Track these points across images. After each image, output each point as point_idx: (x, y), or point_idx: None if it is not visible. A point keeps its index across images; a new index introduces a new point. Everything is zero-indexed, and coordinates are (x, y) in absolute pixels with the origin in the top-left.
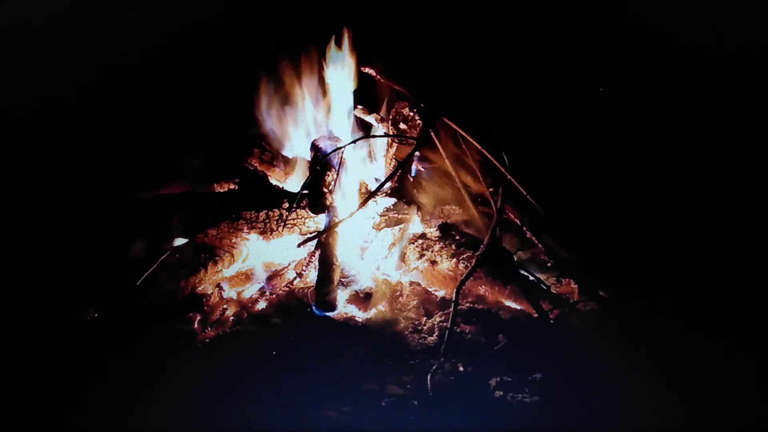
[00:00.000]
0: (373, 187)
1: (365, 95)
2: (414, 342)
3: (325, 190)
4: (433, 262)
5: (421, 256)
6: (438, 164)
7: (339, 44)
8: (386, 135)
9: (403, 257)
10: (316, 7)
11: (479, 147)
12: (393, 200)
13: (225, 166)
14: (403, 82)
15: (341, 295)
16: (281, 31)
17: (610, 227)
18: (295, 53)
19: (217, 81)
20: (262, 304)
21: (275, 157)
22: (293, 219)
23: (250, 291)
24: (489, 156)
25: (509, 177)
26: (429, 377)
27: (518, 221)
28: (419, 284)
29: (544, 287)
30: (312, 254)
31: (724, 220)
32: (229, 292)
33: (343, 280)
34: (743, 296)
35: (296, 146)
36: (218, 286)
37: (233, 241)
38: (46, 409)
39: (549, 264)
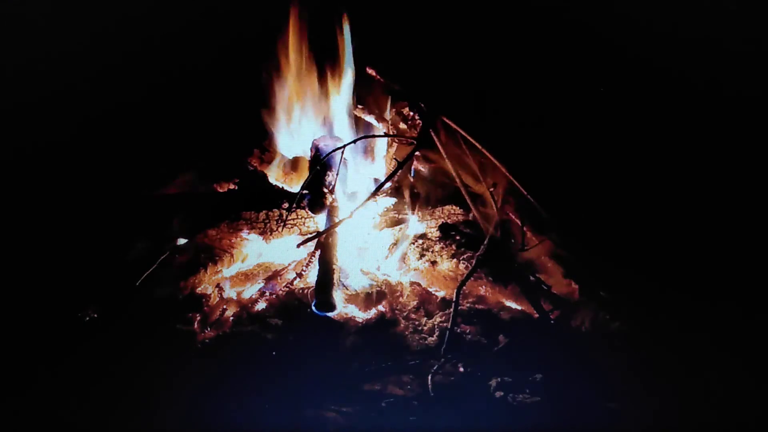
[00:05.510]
0: (373, 187)
1: (365, 95)
2: (414, 342)
3: (325, 190)
4: (434, 263)
5: (422, 256)
6: (438, 164)
7: (340, 44)
8: (386, 135)
9: (403, 257)
10: (316, 7)
11: (479, 147)
12: (393, 200)
13: (225, 166)
14: (403, 82)
15: (341, 296)
16: (281, 31)
17: (611, 227)
18: (295, 53)
19: (218, 81)
20: (262, 305)
21: (275, 157)
22: (293, 219)
23: (250, 291)
24: (489, 156)
25: (510, 177)
26: (429, 378)
27: (519, 221)
28: (419, 284)
29: (545, 287)
30: (312, 254)
31: (726, 221)
32: (229, 293)
33: (343, 280)
34: (744, 297)
35: (296, 146)
36: (218, 286)
37: (233, 241)
38: (45, 409)
39: (550, 264)
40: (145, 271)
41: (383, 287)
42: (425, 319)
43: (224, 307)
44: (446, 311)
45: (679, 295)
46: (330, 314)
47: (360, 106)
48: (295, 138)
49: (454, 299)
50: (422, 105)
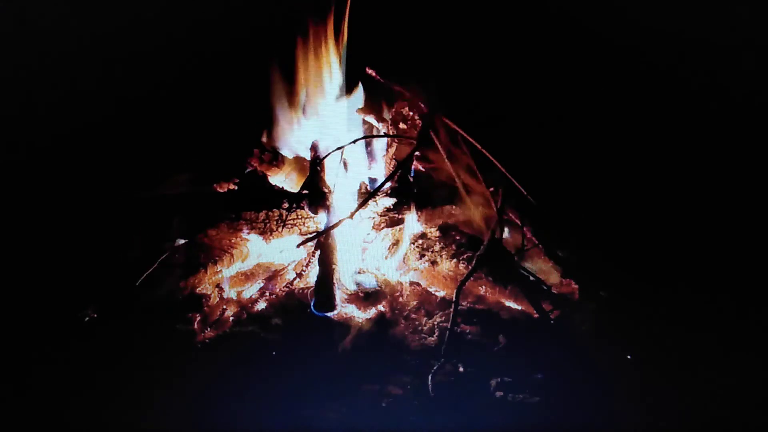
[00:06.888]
0: (372, 187)
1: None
2: (414, 342)
3: (325, 190)
4: (434, 263)
5: (422, 256)
6: (438, 164)
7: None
8: (386, 135)
9: (403, 257)
10: (315, 7)
11: (479, 147)
12: (393, 200)
13: (225, 166)
14: (403, 82)
15: (341, 295)
16: (281, 31)
17: (611, 227)
18: (295, 52)
19: (218, 80)
20: (262, 304)
21: (275, 157)
22: (293, 219)
23: (250, 291)
24: (489, 156)
25: (510, 177)
26: (429, 378)
27: (519, 221)
28: (419, 284)
29: (545, 287)
30: (312, 254)
31: (724, 220)
32: (229, 292)
33: (343, 280)
34: (743, 296)
35: (296, 146)
36: (218, 286)
37: (233, 241)
38: (45, 409)
39: (549, 264)
40: (145, 271)
41: (383, 287)
42: (425, 319)
43: (224, 307)
44: (446, 311)
45: (679, 294)
46: (329, 314)
47: (360, 106)
48: (296, 138)
49: (454, 299)
50: (422, 105)
